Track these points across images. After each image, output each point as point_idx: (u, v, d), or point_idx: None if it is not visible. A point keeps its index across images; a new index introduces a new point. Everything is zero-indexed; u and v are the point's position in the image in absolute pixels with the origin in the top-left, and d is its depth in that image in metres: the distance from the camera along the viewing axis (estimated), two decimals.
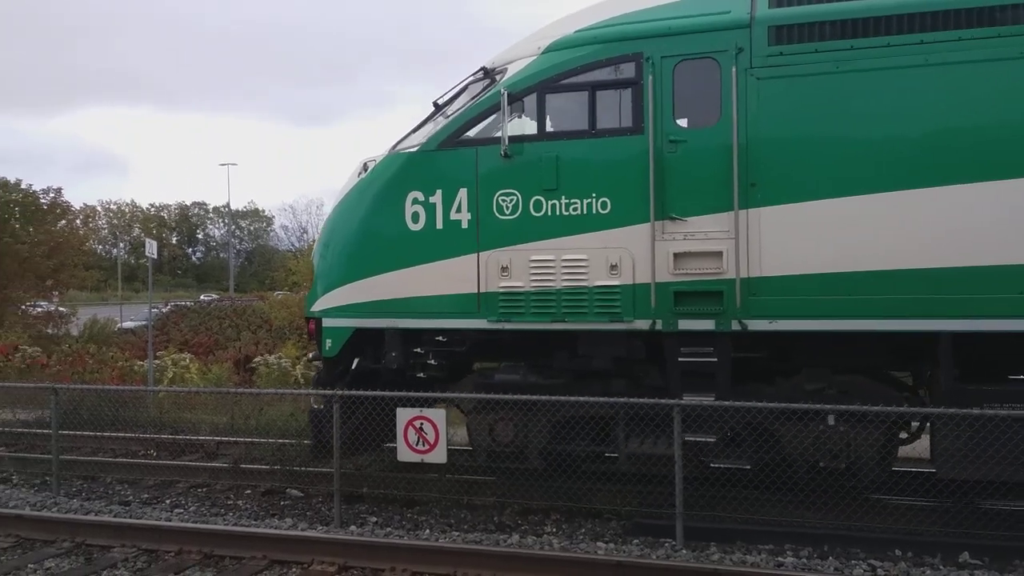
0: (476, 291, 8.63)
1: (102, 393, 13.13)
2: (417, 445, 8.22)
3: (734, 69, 7.81)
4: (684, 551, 7.11)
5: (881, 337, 7.67)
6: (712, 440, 8.00)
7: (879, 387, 8.12)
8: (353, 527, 8.06)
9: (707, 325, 7.94)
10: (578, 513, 8.40)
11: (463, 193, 8.68)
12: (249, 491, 9.62)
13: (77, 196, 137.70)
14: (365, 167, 9.15)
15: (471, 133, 8.67)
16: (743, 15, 7.91)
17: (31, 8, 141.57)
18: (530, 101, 8.55)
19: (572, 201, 8.38)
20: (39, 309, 31.28)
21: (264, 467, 10.04)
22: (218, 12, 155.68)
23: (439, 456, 8.20)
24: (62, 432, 10.09)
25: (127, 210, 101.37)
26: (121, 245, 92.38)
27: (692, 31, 8.05)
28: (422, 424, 8.21)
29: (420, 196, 8.82)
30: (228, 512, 8.85)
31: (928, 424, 8.19)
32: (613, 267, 8.28)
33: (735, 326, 7.83)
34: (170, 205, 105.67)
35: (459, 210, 8.70)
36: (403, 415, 8.26)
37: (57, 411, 9.56)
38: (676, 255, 8.02)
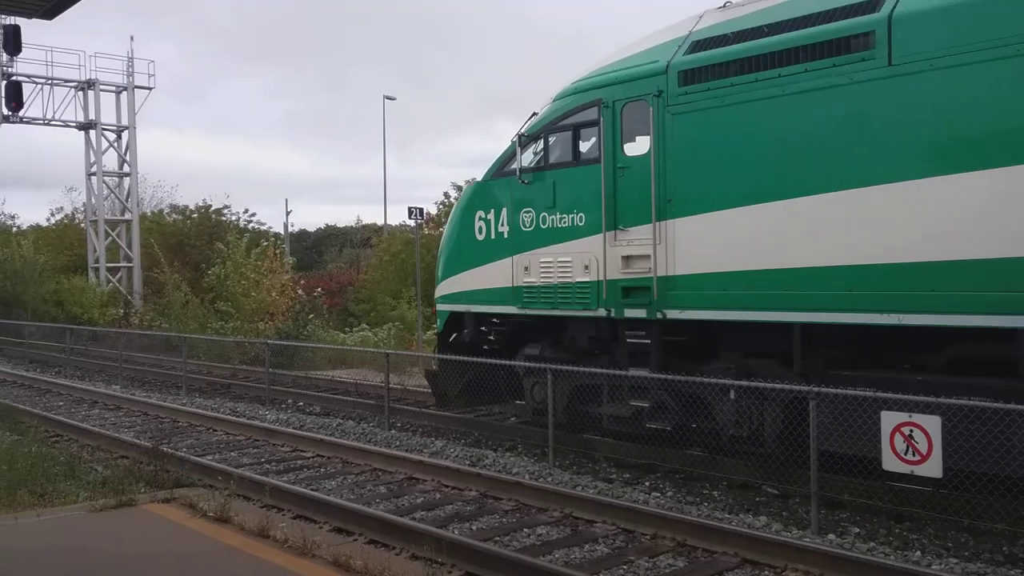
0: (511, 285, 11.26)
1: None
2: (906, 455, 7.35)
3: (654, 108, 9.64)
4: None
5: (780, 326, 8.83)
6: (646, 405, 9.89)
7: (778, 369, 9.05)
8: (832, 535, 7.48)
9: (641, 313, 9.89)
10: None
11: (504, 211, 11.40)
12: (725, 483, 9.53)
13: None
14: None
15: (512, 166, 11.23)
16: (663, 63, 9.67)
17: None
18: (541, 141, 11.04)
19: (563, 216, 10.72)
20: None
21: (739, 461, 9.88)
22: None
23: (932, 469, 7.21)
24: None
25: None
26: None
27: (631, 79, 10.01)
28: (911, 431, 7.31)
29: (482, 214, 11.69)
30: (703, 502, 8.83)
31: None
32: (586, 267, 10.41)
33: (658, 315, 9.67)
34: None
35: (502, 224, 11.43)
36: (889, 420, 7.41)
37: (554, 394, 10.49)
38: (623, 257, 10.04)
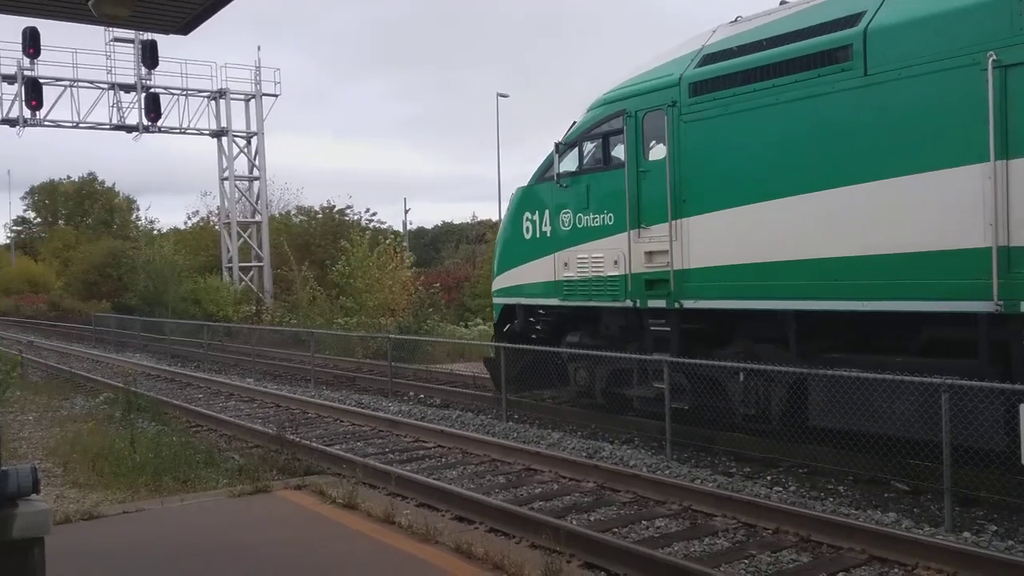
0: (553, 279, 12.42)
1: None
2: None
3: (668, 117, 10.61)
4: None
5: (782, 314, 9.71)
6: (663, 387, 10.41)
7: (780, 353, 9.88)
8: (967, 534, 7.18)
9: (661, 303, 10.90)
10: None
11: (547, 213, 12.57)
12: (851, 478, 9.24)
13: None
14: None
15: (552, 172, 12.36)
16: (677, 76, 10.61)
17: None
18: (576, 148, 12.15)
19: (595, 216, 11.80)
20: None
21: (866, 455, 9.54)
22: None
23: None
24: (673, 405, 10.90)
25: None
26: None
27: (650, 91, 10.99)
28: None
29: (529, 215, 12.91)
30: (828, 497, 8.58)
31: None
32: (615, 262, 11.44)
33: (676, 304, 10.67)
34: None
35: (545, 224, 12.62)
36: None
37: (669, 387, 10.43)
38: (646, 253, 11.08)
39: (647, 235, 10.98)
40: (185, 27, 6.63)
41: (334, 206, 41.52)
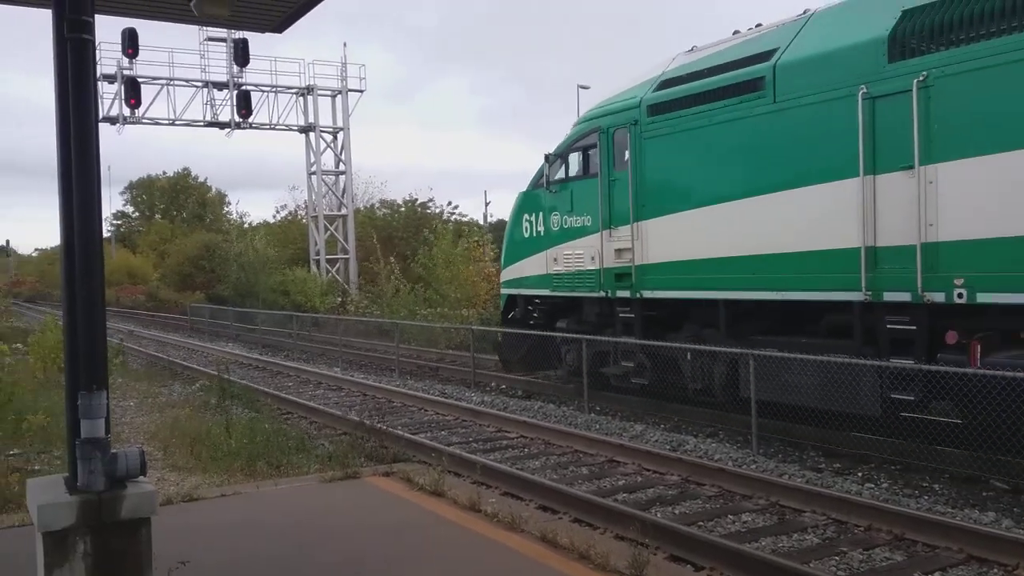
0: (546, 272, 14.46)
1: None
2: None
3: (631, 134, 12.50)
4: None
5: (719, 302, 11.43)
6: (631, 366, 12.86)
7: (718, 336, 11.48)
8: None
9: (627, 293, 12.77)
10: None
11: (541, 215, 14.61)
12: (947, 475, 8.95)
13: None
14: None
15: (544, 179, 14.41)
16: (638, 99, 12.46)
17: None
18: (564, 158, 14.19)
19: (578, 218, 13.75)
20: None
21: (962, 451, 9.24)
22: None
23: None
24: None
25: None
26: None
27: (618, 111, 12.87)
28: None
29: (527, 216, 15.00)
30: (923, 495, 8.35)
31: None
32: (592, 258, 13.36)
33: (637, 294, 12.56)
34: None
35: (539, 225, 14.67)
36: None
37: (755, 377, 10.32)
38: (615, 250, 12.90)
39: (616, 235, 12.88)
40: (280, 25, 6.81)
41: (416, 199, 42.13)
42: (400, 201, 43.45)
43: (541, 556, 6.10)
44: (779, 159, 10.40)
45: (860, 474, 9.19)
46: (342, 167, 39.12)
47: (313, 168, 38.73)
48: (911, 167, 8.96)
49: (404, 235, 38.37)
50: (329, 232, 38.84)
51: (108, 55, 32.36)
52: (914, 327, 9.19)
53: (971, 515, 7.47)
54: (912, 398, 9.00)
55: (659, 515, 7.53)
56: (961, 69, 8.61)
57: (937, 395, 8.90)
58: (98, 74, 33.39)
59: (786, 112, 10.28)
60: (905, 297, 9.14)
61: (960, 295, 8.63)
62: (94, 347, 4.53)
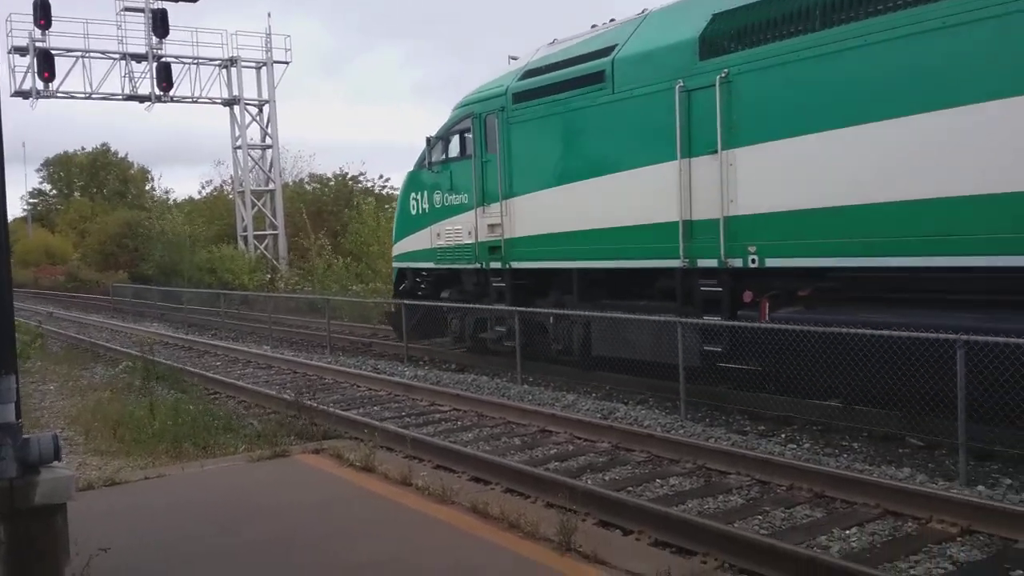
0: (430, 247, 15.52)
1: None
2: None
3: (499, 120, 13.65)
4: None
5: (573, 272, 12.81)
6: (503, 331, 13.99)
7: (577, 303, 12.78)
8: (981, 487, 7.18)
9: (498, 264, 13.97)
10: None
11: (425, 193, 15.61)
12: (866, 434, 9.26)
13: None
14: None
15: (428, 160, 15.48)
16: (505, 87, 13.65)
17: None
18: (444, 141, 15.21)
19: (456, 196, 14.82)
20: None
21: (882, 410, 9.56)
22: None
23: None
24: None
25: None
26: None
27: (488, 98, 14.01)
28: None
29: (414, 195, 15.98)
30: (842, 454, 8.60)
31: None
32: (469, 233, 14.48)
33: (507, 265, 13.78)
34: None
35: (424, 202, 15.64)
36: None
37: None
38: (488, 225, 14.02)
39: (488, 211, 14.00)
40: None
41: (347, 173, 41.52)
42: (330, 175, 42.81)
43: (472, 527, 6.13)
44: (617, 144, 11.71)
45: (784, 435, 9.45)
46: (269, 141, 38.27)
47: (238, 142, 37.78)
48: (716, 151, 10.22)
49: (334, 209, 37.83)
50: (256, 208, 37.99)
51: (19, 27, 31.02)
52: (720, 288, 10.52)
53: (888, 471, 7.75)
54: (720, 349, 10.28)
55: (589, 482, 7.63)
56: (752, 68, 9.93)
57: (740, 346, 10.07)
58: (8, 46, 32.11)
59: (623, 102, 11.54)
60: (713, 263, 10.46)
61: (753, 260, 10.02)
62: (1, 330, 4.35)
